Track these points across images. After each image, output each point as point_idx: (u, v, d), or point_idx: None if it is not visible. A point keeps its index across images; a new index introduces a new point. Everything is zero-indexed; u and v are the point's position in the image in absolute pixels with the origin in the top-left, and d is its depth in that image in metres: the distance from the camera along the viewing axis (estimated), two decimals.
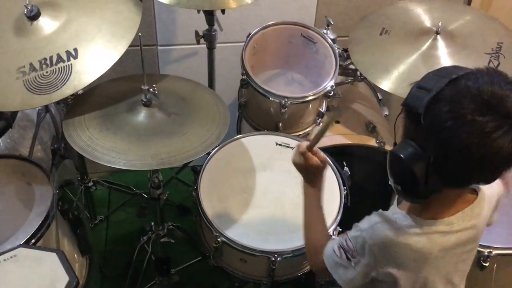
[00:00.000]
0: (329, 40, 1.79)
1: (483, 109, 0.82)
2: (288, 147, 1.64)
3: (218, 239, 1.40)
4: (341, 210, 1.47)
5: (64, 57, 1.35)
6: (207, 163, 1.57)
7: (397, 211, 1.01)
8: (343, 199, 1.50)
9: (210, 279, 1.98)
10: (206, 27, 1.73)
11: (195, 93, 1.56)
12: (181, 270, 1.88)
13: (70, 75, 1.33)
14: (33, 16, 1.38)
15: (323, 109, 1.79)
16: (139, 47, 1.33)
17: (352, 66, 1.85)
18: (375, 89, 2.10)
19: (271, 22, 1.81)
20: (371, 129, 1.85)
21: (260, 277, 1.49)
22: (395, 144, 1.13)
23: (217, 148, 1.59)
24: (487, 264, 1.40)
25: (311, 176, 1.15)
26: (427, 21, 1.72)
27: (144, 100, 1.40)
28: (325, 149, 1.65)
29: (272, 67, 1.91)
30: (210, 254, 1.50)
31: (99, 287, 1.95)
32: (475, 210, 0.99)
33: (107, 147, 1.30)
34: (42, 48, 1.36)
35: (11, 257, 1.13)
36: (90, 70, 1.34)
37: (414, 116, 0.88)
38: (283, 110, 1.67)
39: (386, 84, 1.60)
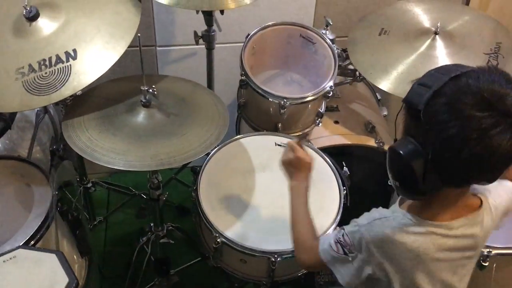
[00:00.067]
0: (328, 41, 1.79)
1: (482, 106, 0.82)
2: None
3: (218, 240, 1.40)
4: (341, 210, 1.47)
5: (63, 58, 1.35)
6: (206, 164, 1.57)
7: (397, 209, 1.01)
8: (342, 199, 1.50)
9: (209, 280, 1.98)
10: (205, 27, 1.73)
11: (195, 93, 1.56)
12: (180, 270, 1.88)
13: (69, 76, 1.33)
14: (32, 17, 1.38)
15: (322, 109, 1.79)
16: (138, 48, 1.33)
17: (351, 67, 1.85)
18: (374, 89, 2.10)
19: (270, 23, 1.81)
20: (370, 129, 1.85)
21: (260, 278, 1.49)
22: (395, 141, 1.14)
23: (216, 149, 1.59)
24: (486, 264, 1.40)
25: (300, 170, 1.21)
26: (425, 21, 1.72)
27: (144, 100, 1.40)
28: (324, 149, 1.66)
29: (271, 68, 1.91)
30: (210, 255, 1.50)
31: None
32: (477, 218, 0.98)
33: (106, 148, 1.30)
34: (41, 49, 1.36)
35: (10, 259, 1.13)
36: (89, 71, 1.34)
37: (414, 112, 0.89)
38: (282, 111, 1.67)
39: (385, 84, 1.60)
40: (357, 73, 1.85)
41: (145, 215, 2.19)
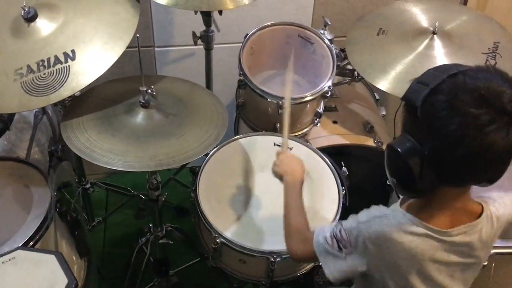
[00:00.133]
0: (327, 41, 1.79)
1: (479, 103, 0.82)
2: None
3: (217, 240, 1.40)
4: (340, 210, 1.47)
5: (62, 58, 1.34)
6: (205, 164, 1.57)
7: (397, 209, 1.01)
8: (341, 199, 1.50)
9: (208, 280, 1.98)
10: (204, 28, 1.73)
11: (193, 94, 1.56)
12: (179, 271, 1.88)
13: (67, 76, 1.33)
14: (30, 18, 1.38)
15: (320, 109, 1.79)
16: (136, 49, 1.33)
17: (349, 66, 1.85)
18: (372, 89, 2.10)
19: (268, 23, 1.81)
20: (368, 129, 1.85)
21: (259, 278, 1.49)
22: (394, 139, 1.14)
23: (215, 149, 1.59)
24: (485, 263, 1.40)
25: (292, 169, 1.24)
26: (424, 21, 1.73)
27: (142, 101, 1.40)
28: (323, 149, 1.67)
29: (270, 68, 1.91)
30: (209, 255, 1.50)
31: None
32: (476, 227, 0.98)
33: (105, 148, 1.30)
34: (40, 49, 1.36)
35: (9, 260, 1.13)
36: (88, 72, 1.34)
37: (411, 109, 0.90)
38: (281, 111, 1.67)
39: (384, 84, 1.60)
40: (356, 73, 1.86)
41: (144, 215, 2.19)
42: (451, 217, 0.97)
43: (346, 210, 1.48)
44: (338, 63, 1.80)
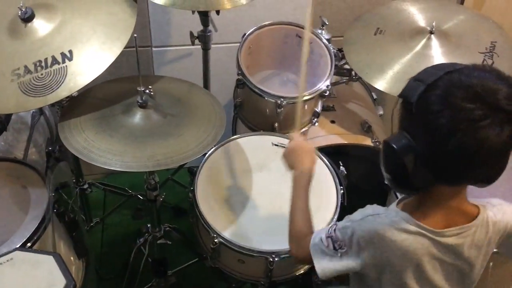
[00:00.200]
0: (324, 40, 1.79)
1: (473, 99, 0.83)
2: (284, 147, 1.63)
3: (216, 240, 1.40)
4: (338, 209, 1.48)
5: (59, 59, 1.34)
6: (203, 164, 1.57)
7: (391, 208, 1.01)
8: (339, 199, 1.50)
9: (207, 281, 1.98)
10: (201, 28, 1.73)
11: (191, 94, 1.56)
12: (178, 271, 1.88)
13: (65, 77, 1.32)
14: (27, 18, 1.37)
15: (318, 109, 1.80)
16: (133, 49, 1.33)
17: (347, 66, 1.85)
18: (369, 88, 2.10)
19: (266, 22, 1.81)
20: (366, 129, 1.85)
21: (258, 278, 1.49)
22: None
23: (213, 149, 1.59)
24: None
25: (302, 159, 1.20)
26: (421, 20, 1.73)
27: (140, 101, 1.40)
28: (321, 149, 1.67)
29: (267, 68, 1.91)
30: (208, 255, 1.50)
31: None
32: (470, 230, 0.97)
33: (103, 149, 1.30)
34: (37, 50, 1.35)
35: (7, 261, 1.13)
36: (86, 72, 1.33)
37: (407, 106, 0.90)
38: (279, 110, 1.67)
39: (381, 83, 1.61)
40: (353, 72, 1.86)
41: (142, 216, 2.19)
42: (445, 217, 0.96)
43: (344, 209, 1.48)
44: (336, 62, 1.80)
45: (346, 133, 1.85)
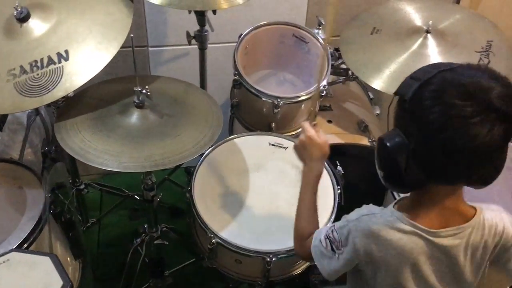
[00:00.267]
0: (321, 40, 1.79)
1: (464, 96, 0.83)
2: (281, 147, 1.64)
3: (213, 240, 1.40)
4: (335, 209, 1.48)
5: (55, 59, 1.33)
6: (200, 164, 1.56)
7: (387, 208, 1.01)
8: (337, 199, 1.51)
9: (204, 281, 1.98)
10: (198, 27, 1.72)
11: (188, 94, 1.55)
12: (175, 272, 1.87)
13: (61, 77, 1.32)
14: (23, 18, 1.36)
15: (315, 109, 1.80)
16: (129, 49, 1.32)
17: (343, 66, 1.86)
18: (366, 88, 2.11)
19: (263, 22, 1.81)
20: (363, 128, 1.86)
21: (255, 278, 1.49)
22: None
23: (210, 149, 1.59)
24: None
25: (312, 153, 1.16)
26: (417, 20, 1.73)
27: (137, 101, 1.39)
28: None
29: (264, 67, 1.91)
30: (205, 256, 1.50)
31: None
32: (466, 231, 0.97)
33: (100, 149, 1.30)
34: (33, 50, 1.35)
35: (4, 262, 1.12)
36: (82, 72, 1.33)
37: (402, 103, 0.91)
38: (275, 110, 1.67)
39: (378, 83, 1.61)
40: (350, 72, 1.86)
41: (138, 216, 2.18)
42: (441, 217, 0.96)
43: (342, 209, 1.48)
44: (333, 62, 1.80)
45: (343, 133, 1.85)
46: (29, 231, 1.32)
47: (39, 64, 1.33)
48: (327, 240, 1.04)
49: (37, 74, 1.32)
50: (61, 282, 1.08)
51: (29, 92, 1.31)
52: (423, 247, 0.96)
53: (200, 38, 1.75)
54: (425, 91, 0.87)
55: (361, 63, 1.67)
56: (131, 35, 1.33)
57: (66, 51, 1.35)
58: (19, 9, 1.36)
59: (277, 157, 1.62)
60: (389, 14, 1.77)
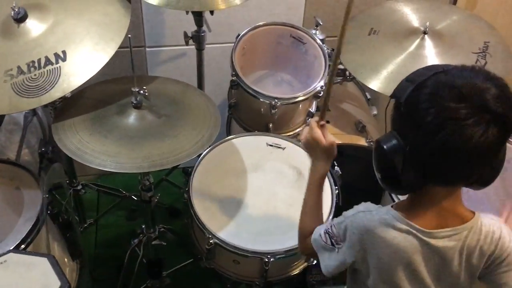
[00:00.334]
0: (318, 41, 1.79)
1: (459, 98, 0.84)
2: (279, 147, 1.64)
3: (211, 241, 1.40)
4: (333, 209, 1.48)
5: (53, 59, 1.33)
6: (198, 165, 1.56)
7: (385, 207, 1.02)
8: (334, 199, 1.51)
9: (202, 281, 1.98)
10: (195, 28, 1.72)
11: (186, 94, 1.55)
12: (172, 272, 1.87)
13: (59, 77, 1.32)
14: (20, 19, 1.36)
15: (313, 109, 1.80)
16: (126, 49, 1.32)
17: (341, 66, 1.86)
18: (363, 88, 2.11)
19: (260, 23, 1.81)
20: (360, 129, 1.86)
21: (253, 278, 1.49)
22: None
23: (208, 149, 1.59)
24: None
25: (317, 153, 1.16)
26: (414, 21, 1.74)
27: (135, 102, 1.39)
28: None
29: (261, 68, 1.91)
30: (203, 256, 1.50)
31: None
32: (462, 234, 0.96)
33: (98, 150, 1.29)
34: (30, 50, 1.35)
35: (1, 263, 1.12)
36: (79, 73, 1.33)
37: (398, 105, 0.92)
38: (273, 111, 1.67)
39: (375, 83, 1.61)
40: (347, 72, 1.87)
41: (136, 217, 2.18)
42: (438, 218, 0.96)
43: (339, 209, 1.49)
44: (330, 63, 1.80)
45: (341, 133, 1.85)
46: (26, 232, 1.32)
47: (36, 64, 1.33)
48: (327, 235, 1.06)
49: (35, 75, 1.32)
50: (58, 283, 1.08)
51: (26, 93, 1.31)
52: (417, 247, 0.96)
53: (197, 39, 1.75)
54: (420, 93, 0.87)
55: (358, 64, 1.67)
56: (129, 35, 1.33)
57: (64, 52, 1.34)
58: (16, 10, 1.36)
59: (274, 158, 1.62)
60: (386, 15, 1.77)
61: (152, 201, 1.60)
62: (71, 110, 1.43)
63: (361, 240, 0.99)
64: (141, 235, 1.79)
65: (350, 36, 1.76)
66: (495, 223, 0.98)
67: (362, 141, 1.82)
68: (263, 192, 1.53)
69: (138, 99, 1.39)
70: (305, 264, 1.54)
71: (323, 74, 1.72)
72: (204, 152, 1.58)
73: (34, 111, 1.77)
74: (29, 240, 1.32)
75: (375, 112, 2.04)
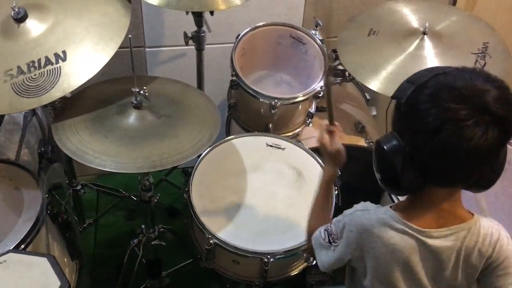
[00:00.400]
0: (318, 41, 1.80)
1: (459, 100, 0.84)
2: (278, 148, 1.65)
3: (211, 241, 1.40)
4: (332, 210, 1.48)
5: (53, 59, 1.33)
6: (198, 165, 1.57)
7: (383, 206, 1.02)
8: (334, 199, 1.51)
9: (201, 281, 1.98)
10: (195, 28, 1.72)
11: (185, 94, 1.55)
12: (172, 272, 1.88)
13: (59, 77, 1.32)
14: (20, 18, 1.36)
15: (312, 109, 1.80)
16: (126, 49, 1.32)
17: (340, 67, 1.86)
18: (363, 89, 2.11)
19: (260, 23, 1.81)
20: (360, 129, 1.86)
21: (253, 278, 1.49)
22: None
23: (208, 150, 1.59)
24: None
25: (326, 158, 1.22)
26: (414, 21, 1.74)
27: (135, 102, 1.39)
28: (315, 150, 1.67)
29: (261, 68, 1.91)
30: (203, 256, 1.50)
31: None
32: (460, 234, 0.96)
33: (98, 150, 1.29)
34: (30, 50, 1.35)
35: (1, 263, 1.12)
36: (79, 73, 1.33)
37: (398, 106, 0.92)
38: (273, 111, 1.67)
39: (375, 84, 1.61)
40: (347, 73, 1.87)
41: (135, 217, 2.18)
42: (436, 219, 0.96)
43: (339, 210, 1.48)
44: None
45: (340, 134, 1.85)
46: (26, 232, 1.32)
47: (36, 64, 1.33)
48: (326, 232, 1.07)
49: (35, 75, 1.32)
50: (58, 283, 1.08)
51: (26, 93, 1.30)
52: (414, 247, 0.97)
53: (197, 39, 1.75)
54: (420, 94, 0.88)
55: (358, 64, 1.67)
56: (129, 36, 1.33)
57: (64, 52, 1.34)
58: (16, 9, 1.36)
59: (274, 158, 1.62)
60: (386, 15, 1.78)
61: (152, 201, 1.60)
62: (71, 110, 1.43)
63: (358, 239, 1.00)
64: (140, 235, 1.79)
65: (349, 36, 1.77)
66: (494, 225, 0.98)
67: (361, 142, 1.82)
68: (263, 193, 1.53)
69: (138, 99, 1.39)
70: (305, 264, 1.54)
71: (323, 74, 1.72)
72: (204, 153, 1.58)
73: (33, 111, 1.77)
74: (28, 240, 1.32)
75: (374, 113, 2.04)
